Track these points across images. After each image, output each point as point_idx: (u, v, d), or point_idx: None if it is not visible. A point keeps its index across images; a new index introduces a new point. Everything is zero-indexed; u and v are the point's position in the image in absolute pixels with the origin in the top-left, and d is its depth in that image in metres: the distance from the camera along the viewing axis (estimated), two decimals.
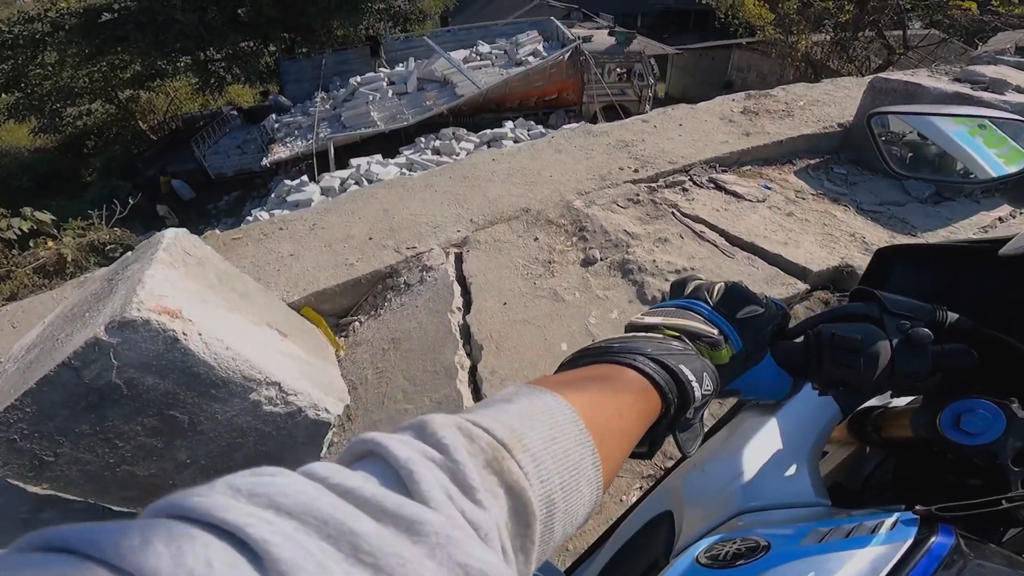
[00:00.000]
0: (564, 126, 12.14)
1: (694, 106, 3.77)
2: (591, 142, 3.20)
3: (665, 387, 0.40)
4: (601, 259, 2.33)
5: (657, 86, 15.01)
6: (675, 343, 0.45)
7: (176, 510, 0.19)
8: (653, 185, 2.80)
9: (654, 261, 2.23)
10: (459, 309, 2.23)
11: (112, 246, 5.43)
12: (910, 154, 0.87)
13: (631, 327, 0.48)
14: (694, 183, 2.84)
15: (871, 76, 3.60)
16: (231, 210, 13.30)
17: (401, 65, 13.36)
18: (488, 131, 11.09)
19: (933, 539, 0.40)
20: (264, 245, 2.67)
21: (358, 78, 12.83)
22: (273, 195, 10.88)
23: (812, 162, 3.37)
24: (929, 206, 2.96)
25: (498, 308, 2.19)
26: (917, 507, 0.44)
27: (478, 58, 13.16)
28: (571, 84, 13.11)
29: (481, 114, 12.46)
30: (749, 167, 3.14)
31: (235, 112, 15.74)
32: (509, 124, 11.55)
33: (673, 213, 2.52)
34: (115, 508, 1.61)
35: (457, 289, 2.31)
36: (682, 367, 0.41)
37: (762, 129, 3.38)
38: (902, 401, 0.65)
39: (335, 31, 14.69)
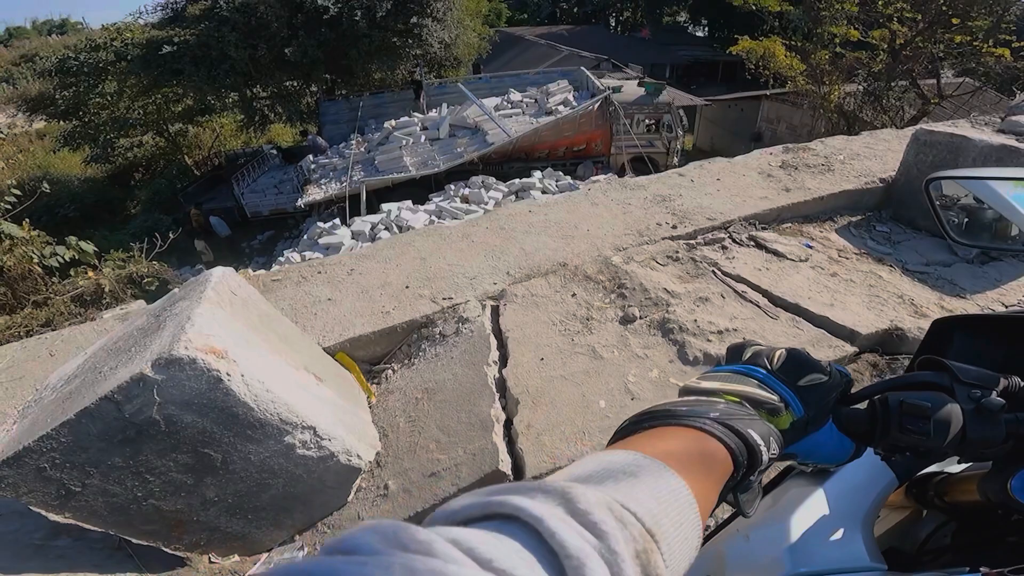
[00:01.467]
0: (592, 177, 12.31)
1: (732, 160, 3.78)
2: (628, 196, 3.21)
3: (737, 451, 0.40)
4: (640, 317, 2.29)
5: (685, 137, 15.13)
6: (738, 408, 0.45)
7: None
8: (692, 242, 2.77)
9: (695, 321, 2.19)
10: (495, 362, 2.21)
11: (149, 279, 5.63)
12: (967, 219, 0.84)
13: (687, 391, 0.48)
14: (733, 240, 2.81)
15: (911, 127, 3.56)
16: (264, 249, 13.68)
17: (435, 110, 13.83)
18: (517, 181, 11.29)
19: None
20: (302, 288, 2.72)
21: (392, 122, 13.31)
22: (305, 236, 11.17)
23: (853, 219, 3.32)
24: (976, 266, 2.86)
25: (535, 363, 2.16)
26: (983, 569, 0.43)
27: (509, 106, 13.54)
28: (600, 134, 13.31)
29: (510, 163, 12.70)
30: (789, 224, 3.10)
31: (275, 151, 16.36)
32: (537, 174, 11.76)
33: (713, 272, 2.48)
34: (133, 540, 1.59)
35: (493, 342, 2.29)
36: (751, 431, 0.42)
37: (802, 184, 3.36)
38: (959, 466, 0.65)
39: (373, 74, 15.34)
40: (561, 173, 12.29)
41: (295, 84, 16.31)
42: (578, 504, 0.26)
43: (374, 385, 2.30)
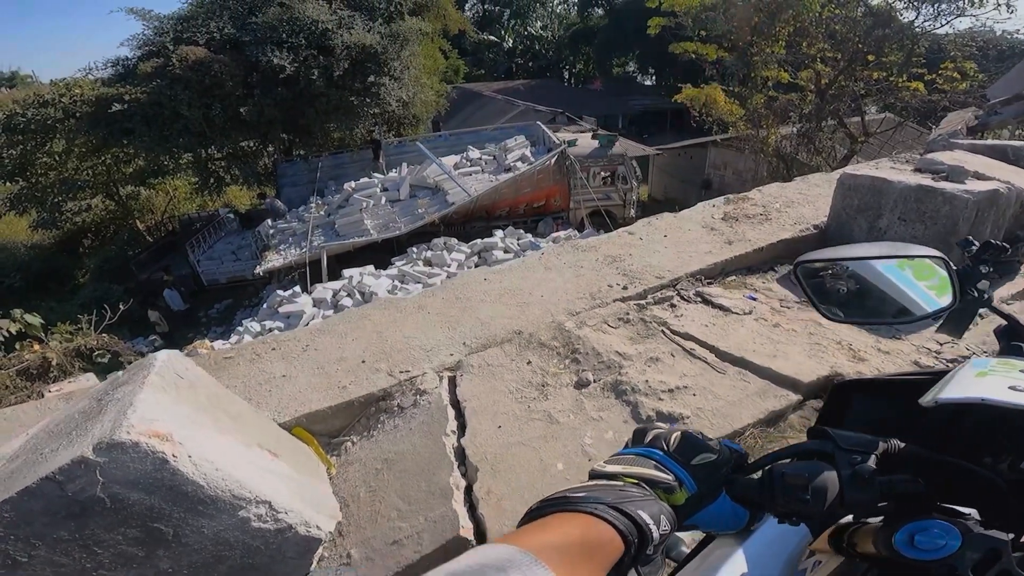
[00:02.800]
0: (553, 233, 12.58)
1: (678, 215, 3.95)
2: (580, 258, 3.31)
3: (626, 531, 0.46)
4: (594, 380, 2.32)
5: (640, 188, 15.63)
6: (634, 490, 0.51)
7: None
8: (642, 302, 2.86)
9: (647, 381, 2.23)
10: (453, 432, 2.24)
11: (100, 352, 5.42)
12: (839, 296, 0.84)
13: (594, 474, 0.55)
14: (682, 298, 2.90)
15: (840, 170, 3.80)
16: (222, 318, 13.31)
17: (395, 170, 14.04)
18: (479, 241, 11.44)
19: None
20: (256, 365, 2.69)
21: (352, 183, 13.40)
22: (265, 305, 10.97)
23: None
24: None
25: (493, 431, 2.19)
26: None
27: (468, 163, 13.88)
28: (558, 189, 13.66)
29: (472, 222, 12.89)
30: (734, 277, 3.24)
31: (232, 215, 16.01)
32: (499, 233, 11.91)
33: (663, 331, 2.55)
34: None
35: (451, 412, 2.32)
36: (640, 512, 0.48)
37: (743, 236, 3.53)
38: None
39: (332, 133, 15.41)
40: (522, 231, 12.50)
41: (251, 144, 16.15)
42: None
43: (334, 457, 2.30)
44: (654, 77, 34.52)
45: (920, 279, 0.78)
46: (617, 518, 0.46)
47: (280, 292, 10.87)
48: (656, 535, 0.48)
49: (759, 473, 0.59)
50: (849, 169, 3.66)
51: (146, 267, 15.31)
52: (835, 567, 0.71)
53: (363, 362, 2.64)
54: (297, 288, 10.90)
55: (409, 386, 2.48)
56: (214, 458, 1.53)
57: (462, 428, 2.24)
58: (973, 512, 0.53)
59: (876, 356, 2.55)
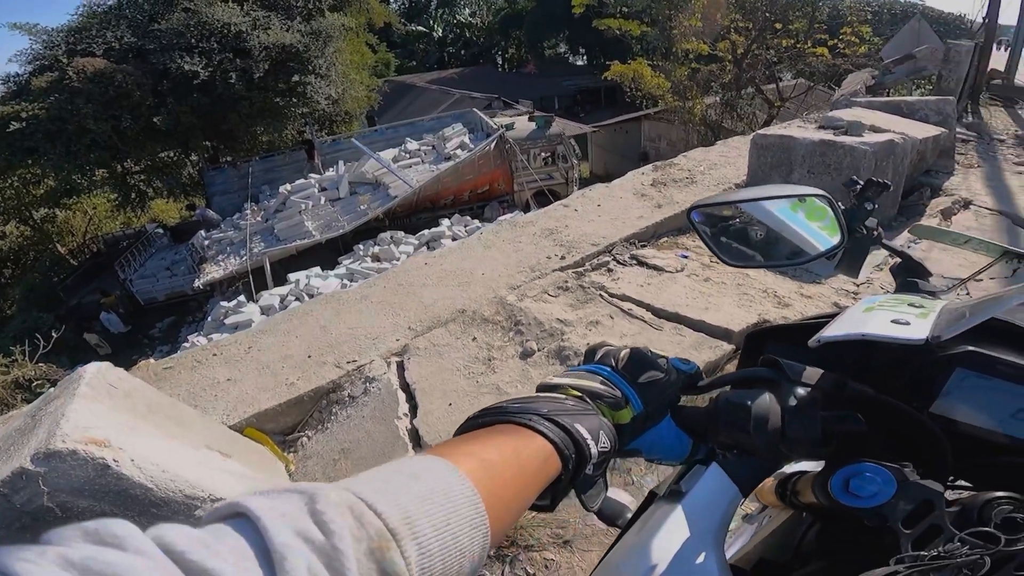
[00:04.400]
0: (499, 217, 12.57)
1: (609, 184, 4.06)
2: (518, 234, 3.36)
3: (561, 445, 0.42)
4: (539, 349, 2.38)
5: (580, 166, 15.82)
6: (574, 402, 0.48)
7: None
8: (580, 270, 2.94)
9: (588, 344, 2.30)
10: (406, 415, 2.25)
11: (39, 382, 5.15)
12: (733, 240, 0.84)
13: (540, 387, 0.52)
14: (618, 262, 3.00)
15: (754, 133, 4.01)
16: (165, 337, 12.63)
17: (331, 169, 13.66)
18: (426, 232, 11.31)
19: None
20: (198, 372, 2.62)
21: (288, 186, 12.94)
22: (210, 319, 10.52)
23: None
24: None
25: (444, 409, 2.21)
26: None
27: (407, 156, 13.66)
28: (500, 174, 13.63)
29: (417, 214, 12.71)
30: (666, 238, 3.37)
31: (161, 230, 15.14)
32: (446, 222, 11.77)
33: (601, 295, 2.64)
34: None
35: (402, 396, 2.33)
36: (577, 425, 0.44)
37: (672, 199, 3.67)
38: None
39: (259, 137, 14.79)
40: (469, 218, 12.42)
41: (172, 155, 15.29)
42: (317, 504, 0.27)
43: (291, 454, 2.28)
44: (585, 57, 34.83)
45: (812, 219, 0.78)
46: (551, 430, 0.43)
47: (224, 303, 10.44)
48: (594, 451, 0.45)
49: (706, 400, 0.58)
50: (761, 130, 3.86)
51: (75, 292, 14.36)
52: (784, 520, 0.71)
53: (309, 357, 2.61)
54: (242, 298, 10.48)
55: (358, 375, 2.47)
56: (160, 460, 1.50)
57: (414, 410, 2.26)
58: (910, 466, 0.51)
59: (799, 300, 2.72)
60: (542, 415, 0.44)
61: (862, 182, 0.83)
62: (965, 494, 0.52)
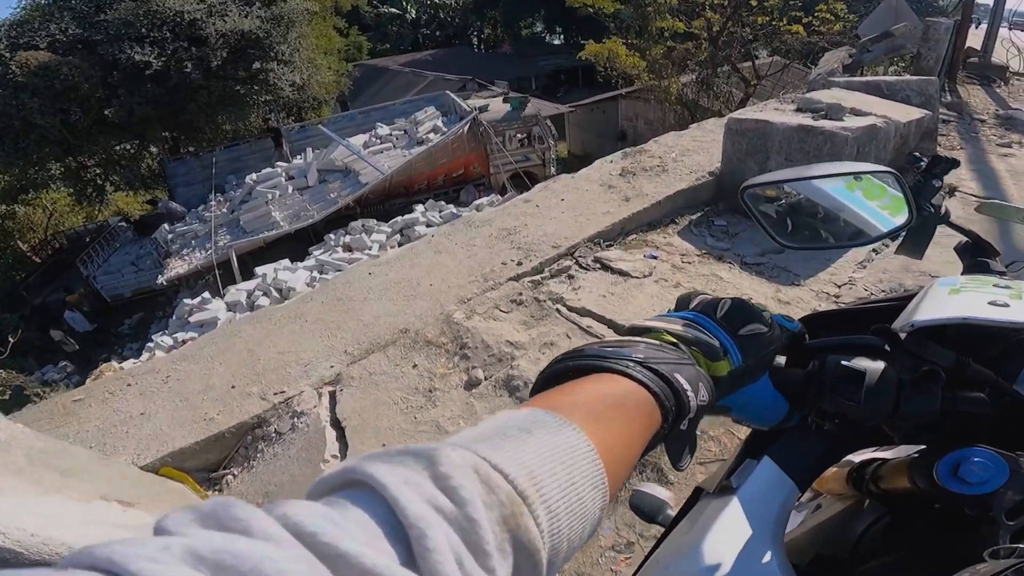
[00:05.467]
0: (475, 200, 12.25)
1: (575, 175, 3.76)
2: (473, 235, 3.05)
3: (662, 396, 0.38)
4: (485, 378, 2.12)
5: (557, 146, 15.55)
6: (671, 349, 0.44)
7: (111, 566, 0.16)
8: (538, 277, 2.66)
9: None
10: (335, 456, 2.03)
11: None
12: (792, 221, 0.77)
13: (630, 330, 0.48)
14: (580, 266, 2.73)
15: (727, 117, 3.72)
16: (135, 334, 12.20)
17: (299, 157, 13.12)
18: (399, 219, 10.93)
19: None
20: (110, 405, 2.38)
21: (254, 175, 12.41)
22: (175, 317, 10.12)
23: (693, 218, 3.39)
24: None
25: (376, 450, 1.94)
26: None
27: (378, 141, 13.19)
28: (475, 157, 13.31)
29: (391, 200, 12.34)
30: (634, 235, 3.10)
31: (124, 224, 14.58)
32: (420, 208, 11.43)
33: (558, 310, 2.37)
34: None
35: (331, 435, 2.10)
36: (677, 375, 0.40)
37: (640, 191, 3.39)
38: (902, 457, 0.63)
39: (222, 125, 14.18)
40: (444, 203, 12.10)
41: (129, 147, 14.64)
42: (440, 467, 0.24)
43: (215, 492, 2.12)
44: (562, 36, 34.11)
45: (871, 199, 0.73)
46: (651, 379, 0.38)
47: (188, 300, 10.03)
48: (694, 404, 0.40)
49: (809, 365, 0.53)
50: (736, 114, 3.57)
51: (38, 291, 13.88)
52: (839, 510, 0.68)
53: (232, 387, 2.37)
54: (206, 294, 10.07)
55: (285, 409, 2.24)
56: (29, 524, 1.36)
57: (344, 451, 2.04)
58: None
59: (776, 307, 2.48)
60: (639, 362, 0.39)
61: (926, 158, 0.77)
62: None
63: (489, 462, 0.25)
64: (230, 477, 2.12)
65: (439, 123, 13.61)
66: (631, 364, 0.39)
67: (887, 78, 5.06)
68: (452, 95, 14.66)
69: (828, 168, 0.73)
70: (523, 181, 13.07)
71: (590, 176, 3.66)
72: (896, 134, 3.59)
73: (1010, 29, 10.26)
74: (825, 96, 4.05)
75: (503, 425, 0.30)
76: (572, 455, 0.29)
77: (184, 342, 8.63)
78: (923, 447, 0.53)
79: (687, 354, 0.45)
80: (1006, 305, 0.52)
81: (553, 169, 14.11)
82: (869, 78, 5.40)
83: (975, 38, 8.98)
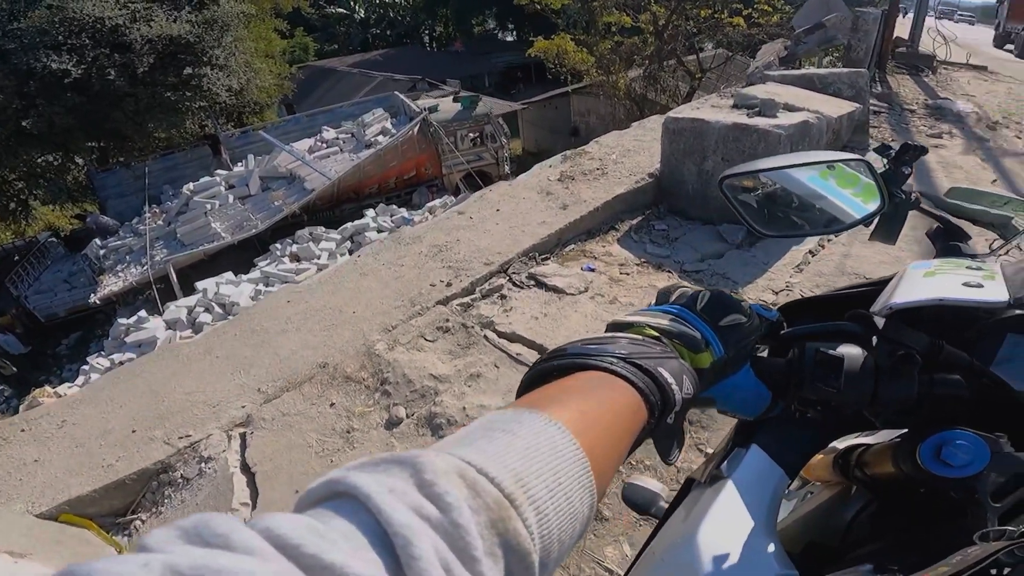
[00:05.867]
0: (428, 203, 11.99)
1: (512, 182, 3.62)
2: (401, 254, 2.87)
3: (647, 391, 0.38)
4: (407, 416, 1.96)
5: (511, 144, 15.44)
6: (653, 343, 0.44)
7: None
8: (468, 299, 2.50)
9: (464, 408, 1.90)
10: (244, 504, 1.88)
11: None
12: (769, 210, 0.79)
13: (612, 326, 0.48)
14: (514, 284, 2.59)
15: (665, 116, 3.65)
16: (73, 355, 11.46)
17: (240, 164, 12.53)
18: (349, 225, 10.54)
19: None
20: (3, 452, 2.25)
21: (191, 185, 11.76)
22: (111, 337, 9.51)
23: (634, 222, 3.30)
24: (745, 251, 2.95)
25: (290, 499, 1.84)
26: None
27: (324, 145, 12.74)
28: (427, 158, 13.04)
29: (341, 206, 11.94)
30: (572, 246, 2.98)
31: (55, 240, 13.69)
32: (370, 213, 11.05)
33: (486, 337, 2.21)
34: None
35: (240, 481, 1.94)
36: (661, 370, 0.40)
37: (579, 197, 3.27)
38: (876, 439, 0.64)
39: (155, 134, 13.41)
40: (396, 207, 11.79)
41: (52, 159, 13.73)
42: (424, 474, 0.23)
43: (124, 538, 2.01)
44: (515, 32, 33.97)
45: (844, 187, 0.75)
46: (635, 375, 0.38)
47: (122, 320, 9.43)
48: (679, 398, 0.40)
49: (789, 353, 0.54)
50: (673, 113, 3.49)
51: None
52: (829, 496, 0.68)
53: (133, 432, 2.19)
54: (143, 312, 9.50)
55: (192, 453, 2.07)
56: None
57: (255, 499, 1.88)
58: (1005, 436, 0.47)
59: None
60: (622, 358, 0.39)
61: (896, 146, 0.78)
62: None
63: (474, 466, 0.25)
64: (138, 522, 2.01)
65: (388, 125, 13.26)
66: (615, 360, 0.38)
67: (819, 71, 5.11)
68: (401, 96, 14.34)
69: (802, 157, 0.74)
70: (476, 181, 12.94)
71: (528, 183, 3.52)
72: (828, 129, 3.59)
73: (936, 18, 10.69)
74: (760, 91, 4.04)
75: (488, 428, 0.29)
76: (558, 455, 0.29)
77: (122, 363, 8.14)
78: (906, 432, 0.53)
79: (670, 348, 0.45)
80: (980, 286, 0.53)
81: (507, 168, 14.02)
82: (802, 71, 5.44)
83: (903, 28, 9.29)
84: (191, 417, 2.16)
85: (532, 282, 2.60)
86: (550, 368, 0.39)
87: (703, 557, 0.52)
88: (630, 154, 3.91)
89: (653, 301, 0.54)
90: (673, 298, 0.52)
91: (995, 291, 0.51)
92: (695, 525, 0.54)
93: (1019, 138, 5.44)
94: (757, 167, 0.76)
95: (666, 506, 0.74)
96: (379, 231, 10.52)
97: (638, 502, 0.87)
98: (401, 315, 2.41)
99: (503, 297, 2.48)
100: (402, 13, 36.75)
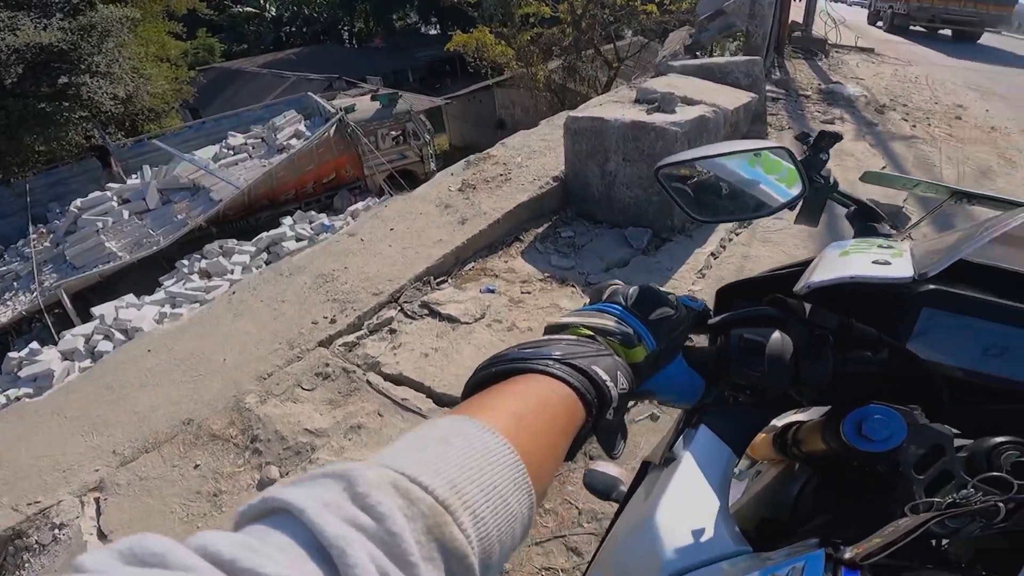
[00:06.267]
0: (351, 206, 11.50)
1: (410, 195, 3.41)
2: (283, 289, 2.60)
3: (583, 389, 0.39)
4: (281, 475, 1.74)
5: (435, 141, 15.14)
6: (588, 342, 0.45)
7: None
8: (353, 337, 2.28)
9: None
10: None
11: None
12: (701, 197, 0.82)
13: (548, 328, 0.49)
14: (406, 314, 2.40)
15: (565, 115, 3.54)
16: None
17: (135, 176, 11.50)
18: (264, 235, 9.87)
19: None
20: None
21: (79, 202, 10.67)
22: (2, 372, 8.55)
23: (539, 231, 3.18)
24: (650, 257, 2.90)
25: None
26: (828, 550, 0.43)
27: (231, 152, 11.93)
28: (346, 159, 12.51)
29: (255, 215, 11.22)
30: (472, 264, 2.82)
31: None
32: (288, 221, 10.39)
33: (369, 382, 2.01)
34: None
35: (96, 548, 1.61)
36: (595, 367, 0.41)
37: (479, 209, 3.10)
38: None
39: (34, 147, 12.08)
40: (315, 212, 11.24)
41: None
42: (357, 487, 0.24)
43: None
44: (438, 26, 33.25)
45: (770, 172, 0.78)
46: (570, 374, 0.39)
47: (13, 354, 8.49)
48: (614, 393, 0.42)
49: (717, 341, 0.56)
50: (574, 112, 3.39)
51: None
52: (776, 473, 0.73)
53: None
54: (35, 344, 8.60)
55: (43, 520, 1.87)
56: None
57: None
58: (919, 409, 0.48)
59: None
60: (557, 359, 0.40)
61: (814, 134, 0.83)
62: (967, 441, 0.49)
63: (407, 476, 0.26)
64: None
65: (301, 127, 12.59)
66: (551, 362, 0.39)
67: (718, 60, 5.19)
68: (315, 96, 13.66)
69: (730, 146, 0.77)
70: (400, 181, 12.59)
71: (427, 195, 3.32)
72: (725, 123, 3.61)
73: (827, 1, 11.25)
74: (661, 85, 4.02)
75: (422, 438, 0.30)
76: (492, 460, 0.29)
77: (18, 399, 7.32)
78: (831, 409, 0.55)
79: (604, 345, 0.46)
80: (887, 263, 0.56)
81: (432, 165, 13.72)
82: (701, 61, 5.50)
83: (798, 12, 9.70)
84: (40, 482, 1.93)
85: (425, 311, 2.42)
86: (489, 375, 0.40)
87: (662, 538, 0.52)
88: (536, 156, 3.79)
89: (588, 301, 0.55)
90: (606, 296, 0.53)
91: (902, 267, 0.54)
92: (652, 507, 0.55)
93: (906, 120, 5.77)
94: (689, 156, 0.79)
95: (625, 490, 0.77)
96: (297, 240, 9.97)
97: (599, 488, 0.89)
98: (278, 360, 2.16)
99: (393, 332, 2.29)
100: (317, 10, 35.13)
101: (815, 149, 0.83)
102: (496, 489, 0.28)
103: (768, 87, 6.76)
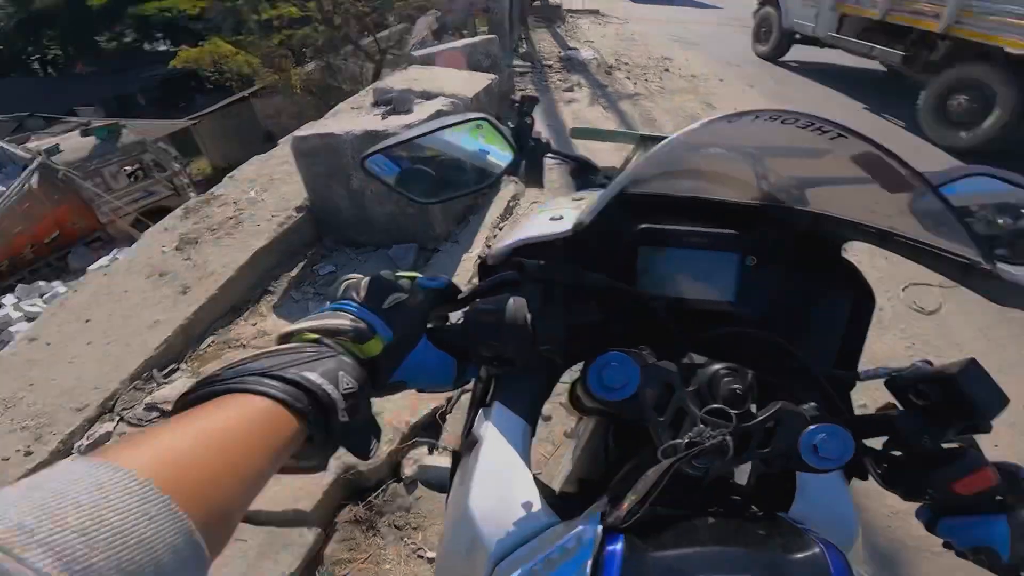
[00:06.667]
0: (97, 261, 9.43)
1: (110, 269, 2.70)
2: None
3: (289, 399, 0.38)
4: None
5: (190, 167, 13.22)
6: (309, 347, 0.44)
7: None
8: None
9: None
10: None
11: None
12: (419, 178, 0.75)
13: (278, 338, 0.47)
14: (130, 423, 1.89)
15: (292, 137, 3.14)
16: None
17: None
18: None
19: (604, 551, 0.40)
20: None
21: None
22: None
23: (293, 275, 2.78)
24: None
25: None
26: (603, 522, 0.44)
27: None
28: (68, 210, 10.22)
29: None
30: (211, 339, 2.32)
31: None
32: (9, 300, 8.26)
33: None
34: None
35: None
36: (304, 374, 0.40)
37: (206, 269, 2.56)
38: None
39: None
40: (44, 283, 9.04)
41: None
42: None
43: None
44: (167, 41, 28.73)
45: (491, 143, 0.77)
46: (272, 386, 0.38)
47: None
48: (336, 396, 0.40)
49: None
50: (301, 131, 2.99)
51: None
52: (591, 431, 0.77)
53: None
54: None
55: None
56: None
57: None
58: (647, 348, 0.49)
59: None
60: (259, 373, 0.39)
61: (518, 98, 0.86)
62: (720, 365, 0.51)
63: None
64: None
65: None
66: (250, 378, 0.38)
67: (456, 44, 5.15)
68: (2, 143, 10.82)
69: (440, 122, 0.73)
70: (158, 218, 10.72)
71: (132, 265, 2.66)
72: (469, 110, 3.54)
73: None
74: (399, 81, 3.80)
75: (14, 487, 0.29)
76: (99, 494, 0.28)
77: None
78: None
79: (329, 347, 0.44)
80: (560, 218, 0.60)
81: (192, 194, 11.94)
82: (446, 45, 5.43)
83: None
84: None
85: (155, 413, 1.92)
86: (185, 403, 0.38)
87: (480, 527, 0.51)
88: (276, 185, 3.31)
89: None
90: (340, 293, 0.52)
91: (569, 222, 0.56)
92: (465, 495, 0.55)
93: (628, 79, 6.41)
94: (401, 139, 0.76)
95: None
96: (28, 320, 7.93)
97: (434, 483, 0.93)
98: None
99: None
100: None
101: (520, 114, 0.85)
102: (102, 520, 0.27)
103: (516, 62, 7.00)
